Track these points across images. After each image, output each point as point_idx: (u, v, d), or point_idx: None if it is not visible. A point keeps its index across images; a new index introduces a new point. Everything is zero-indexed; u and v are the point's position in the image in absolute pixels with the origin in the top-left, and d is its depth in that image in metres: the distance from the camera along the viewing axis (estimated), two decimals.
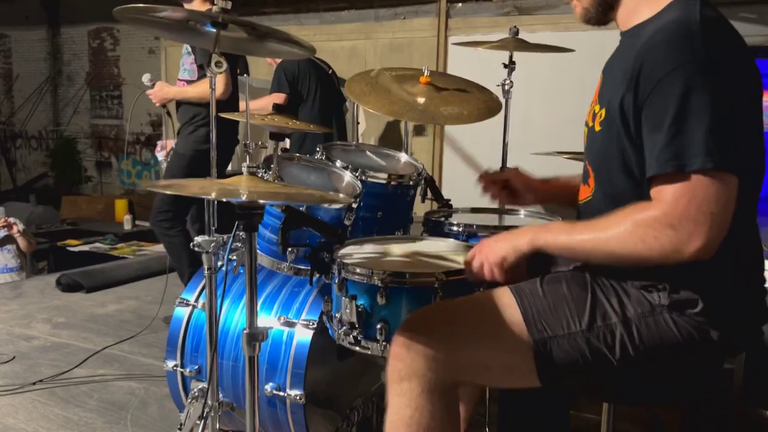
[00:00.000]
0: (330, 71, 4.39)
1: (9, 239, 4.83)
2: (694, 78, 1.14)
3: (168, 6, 1.57)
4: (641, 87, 1.21)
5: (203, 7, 3.29)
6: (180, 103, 3.37)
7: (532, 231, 1.34)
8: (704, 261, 1.16)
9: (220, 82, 3.08)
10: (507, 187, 1.76)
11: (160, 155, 3.55)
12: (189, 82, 3.31)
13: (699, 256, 1.15)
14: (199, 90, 3.23)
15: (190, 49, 3.28)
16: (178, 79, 3.40)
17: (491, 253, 1.37)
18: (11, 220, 4.87)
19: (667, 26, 1.21)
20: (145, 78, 3.29)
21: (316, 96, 4.21)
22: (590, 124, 1.41)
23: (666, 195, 1.17)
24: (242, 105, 2.75)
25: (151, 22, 1.73)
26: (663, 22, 1.24)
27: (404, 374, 1.32)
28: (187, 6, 3.23)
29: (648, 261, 1.19)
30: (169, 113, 3.40)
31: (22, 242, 4.84)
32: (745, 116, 1.21)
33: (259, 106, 4.16)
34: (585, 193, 1.46)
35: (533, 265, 1.50)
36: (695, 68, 1.15)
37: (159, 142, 3.60)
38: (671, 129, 1.15)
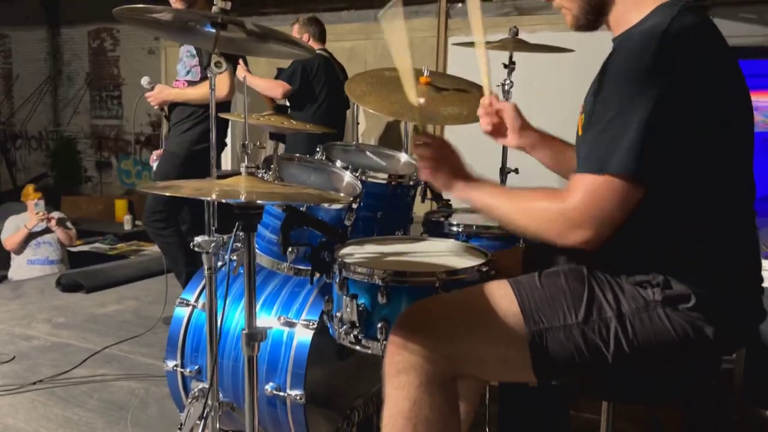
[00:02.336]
0: (342, 76, 4.39)
1: (48, 231, 4.83)
2: (633, 86, 1.17)
3: (167, 6, 1.57)
4: (600, 88, 1.26)
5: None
6: (177, 103, 3.35)
7: (471, 184, 1.45)
8: (698, 257, 1.24)
9: (225, 84, 3.08)
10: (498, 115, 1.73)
11: (156, 165, 3.50)
12: (191, 83, 3.30)
13: (579, 247, 1.24)
14: (201, 92, 3.21)
15: (194, 51, 3.27)
16: (176, 80, 3.39)
17: (431, 176, 1.50)
18: (54, 214, 4.88)
19: (637, 35, 1.24)
20: (144, 81, 3.26)
21: (325, 99, 4.22)
22: (578, 131, 1.43)
23: (576, 188, 1.23)
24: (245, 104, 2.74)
25: (152, 23, 1.73)
26: (640, 29, 1.25)
27: (402, 367, 1.32)
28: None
29: (538, 237, 1.30)
30: (167, 117, 3.37)
31: (61, 234, 4.84)
32: (724, 120, 1.22)
33: (262, 86, 4.18)
34: None
35: (529, 260, 1.51)
36: (637, 76, 1.17)
37: (155, 152, 3.55)
38: (601, 132, 1.20)
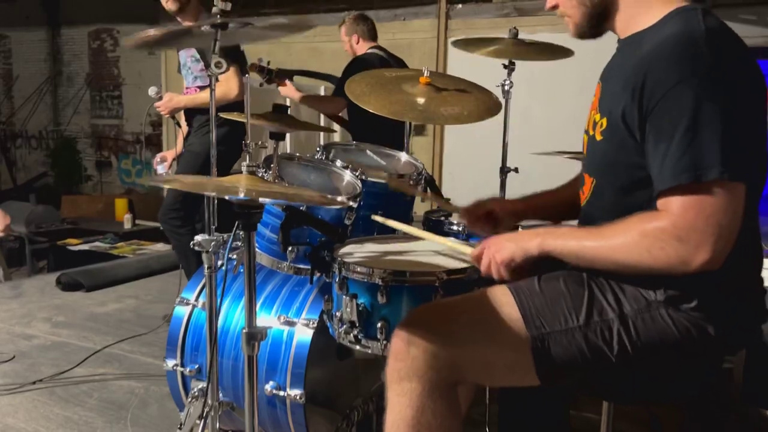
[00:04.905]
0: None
1: None
2: (702, 89, 1.14)
3: (168, 24, 1.58)
4: (645, 99, 1.20)
5: (197, 14, 3.26)
6: (194, 110, 3.32)
7: (542, 234, 1.34)
8: None
9: (234, 84, 3.08)
10: (490, 216, 1.69)
11: (161, 167, 3.45)
12: (202, 87, 3.29)
13: (706, 268, 1.15)
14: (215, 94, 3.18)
15: (198, 56, 3.26)
16: (186, 88, 3.37)
17: (499, 253, 1.37)
18: None
19: (671, 38, 1.21)
20: (152, 91, 3.20)
21: None
22: (591, 133, 1.40)
23: (674, 206, 1.17)
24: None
25: (158, 43, 1.73)
26: (665, 34, 1.23)
27: (404, 374, 1.32)
28: (182, 20, 3.23)
29: (653, 271, 1.20)
30: (178, 123, 3.36)
31: None
32: (751, 122, 1.21)
33: (320, 106, 4.02)
34: (580, 201, 1.47)
35: (534, 263, 1.51)
36: (703, 80, 1.15)
37: (159, 155, 3.53)
38: (684, 141, 1.15)
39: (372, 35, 3.95)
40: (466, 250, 1.54)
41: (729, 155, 1.13)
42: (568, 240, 1.31)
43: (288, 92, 3.78)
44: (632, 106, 1.23)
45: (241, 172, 1.38)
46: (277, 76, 3.69)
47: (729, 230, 1.15)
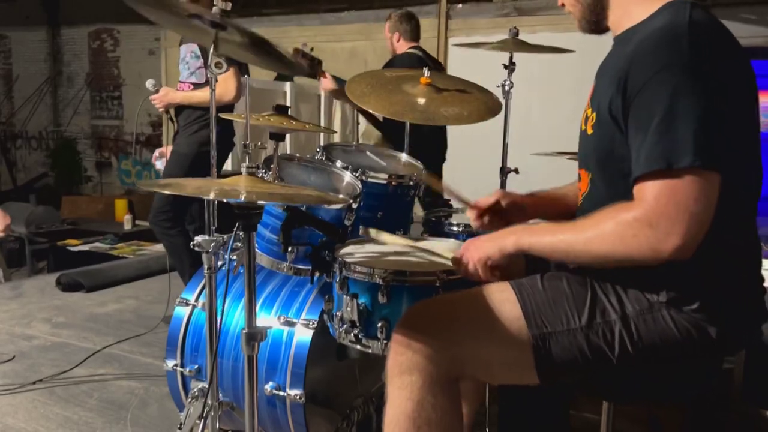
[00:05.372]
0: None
1: None
2: (680, 79, 1.15)
3: None
4: (629, 90, 1.21)
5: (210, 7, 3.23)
6: (184, 106, 3.33)
7: (518, 232, 1.35)
8: (703, 259, 1.17)
9: (232, 86, 3.07)
10: (497, 211, 1.67)
11: (159, 163, 3.45)
12: (196, 85, 3.30)
13: (677, 255, 1.14)
14: (208, 94, 3.18)
15: (199, 53, 3.26)
16: (180, 82, 3.38)
17: (476, 252, 1.38)
18: None
19: (656, 31, 1.22)
20: (149, 83, 3.22)
21: None
22: (583, 128, 1.41)
23: (647, 193, 1.17)
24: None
25: (156, 8, 1.69)
26: (652, 28, 1.24)
27: (405, 367, 1.32)
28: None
29: (627, 261, 1.19)
30: (172, 119, 3.36)
31: None
32: (737, 117, 1.21)
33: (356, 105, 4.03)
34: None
35: (532, 263, 1.51)
36: (681, 70, 1.15)
37: (157, 150, 3.53)
38: (659, 129, 1.15)
39: (414, 36, 3.92)
40: (449, 255, 1.53)
41: (702, 144, 1.13)
42: (544, 236, 1.31)
43: (327, 85, 3.79)
44: (617, 98, 1.24)
45: (240, 173, 1.38)
46: (319, 65, 3.66)
47: (701, 219, 1.14)
